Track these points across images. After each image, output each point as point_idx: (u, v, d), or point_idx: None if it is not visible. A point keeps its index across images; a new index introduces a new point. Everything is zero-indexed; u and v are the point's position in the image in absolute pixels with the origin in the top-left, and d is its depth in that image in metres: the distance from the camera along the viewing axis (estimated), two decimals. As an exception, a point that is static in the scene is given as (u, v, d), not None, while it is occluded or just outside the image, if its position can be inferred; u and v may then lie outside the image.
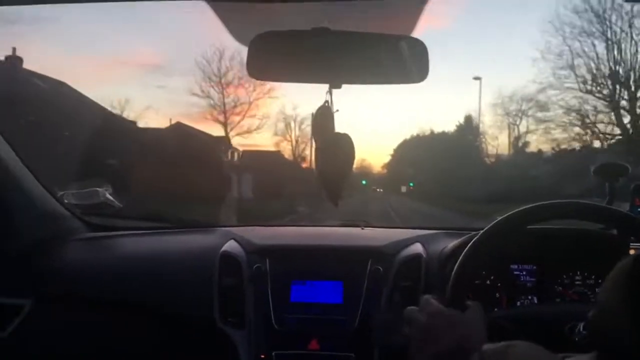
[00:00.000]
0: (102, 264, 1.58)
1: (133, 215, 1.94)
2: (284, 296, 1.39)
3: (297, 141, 27.07)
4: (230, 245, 1.51)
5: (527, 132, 24.25)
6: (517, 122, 24.45)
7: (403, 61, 1.05)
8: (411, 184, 40.00)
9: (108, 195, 1.76)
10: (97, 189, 1.76)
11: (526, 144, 24.52)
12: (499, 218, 1.22)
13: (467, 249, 1.21)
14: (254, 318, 1.35)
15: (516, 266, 1.44)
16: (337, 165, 1.07)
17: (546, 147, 21.62)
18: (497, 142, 27.81)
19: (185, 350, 1.43)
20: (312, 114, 1.06)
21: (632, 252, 1.37)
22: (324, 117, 1.06)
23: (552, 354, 0.56)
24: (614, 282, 0.52)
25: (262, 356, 1.31)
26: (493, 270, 1.42)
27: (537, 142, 24.06)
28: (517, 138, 25.61)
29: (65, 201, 1.72)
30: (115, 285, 1.49)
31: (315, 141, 1.07)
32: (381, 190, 48.51)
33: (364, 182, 40.49)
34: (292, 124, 27.13)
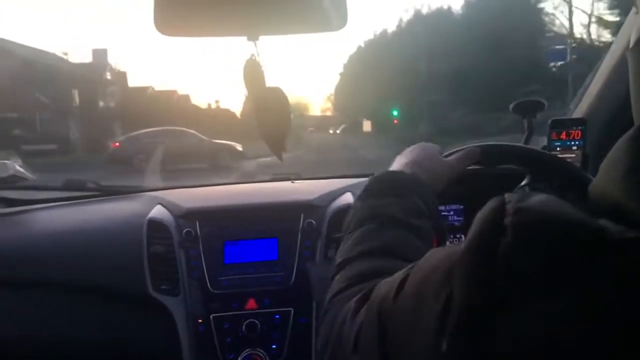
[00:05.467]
0: (19, 241, 1.48)
1: (49, 186, 1.82)
2: (218, 258, 1.36)
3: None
4: (158, 211, 1.45)
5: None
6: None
7: (322, 8, 1.01)
8: (395, 112, 22.78)
9: (18, 167, 1.64)
10: (5, 161, 1.64)
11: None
12: None
13: None
14: (188, 283, 1.32)
15: (443, 207, 1.47)
16: (273, 121, 1.05)
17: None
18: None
19: (120, 324, 1.38)
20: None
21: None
22: (252, 71, 1.02)
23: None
24: (617, 150, 0.51)
25: (200, 320, 1.30)
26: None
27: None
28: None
29: (-30, 177, 1.59)
30: (38, 263, 1.41)
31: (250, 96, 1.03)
32: (338, 131, 34.01)
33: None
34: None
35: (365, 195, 0.83)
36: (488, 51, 20.30)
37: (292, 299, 1.33)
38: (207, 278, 1.33)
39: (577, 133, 1.44)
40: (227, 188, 1.85)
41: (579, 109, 1.55)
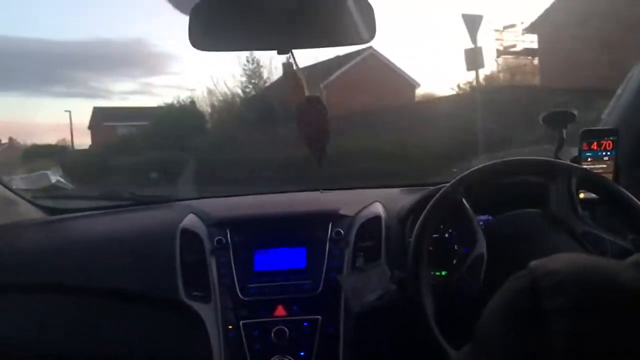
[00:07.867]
0: (58, 247, 1.54)
1: (87, 195, 1.89)
2: (248, 266, 1.39)
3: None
4: (190, 220, 1.49)
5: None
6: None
7: (351, 21, 1.03)
8: None
9: (59, 177, 1.72)
10: (46, 171, 1.71)
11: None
12: (465, 173, 1.23)
13: (430, 204, 1.22)
14: (219, 291, 1.35)
15: None
16: (312, 129, 1.09)
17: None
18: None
19: (153, 329, 1.42)
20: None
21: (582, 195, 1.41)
22: (292, 81, 1.06)
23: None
24: None
25: (230, 327, 1.32)
26: (450, 223, 1.44)
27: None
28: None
29: (14, 187, 1.66)
30: (75, 269, 1.46)
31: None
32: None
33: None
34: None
35: None
36: None
37: (320, 307, 1.34)
38: (237, 285, 1.36)
39: (609, 143, 1.42)
40: (257, 198, 1.88)
41: (611, 119, 1.53)
